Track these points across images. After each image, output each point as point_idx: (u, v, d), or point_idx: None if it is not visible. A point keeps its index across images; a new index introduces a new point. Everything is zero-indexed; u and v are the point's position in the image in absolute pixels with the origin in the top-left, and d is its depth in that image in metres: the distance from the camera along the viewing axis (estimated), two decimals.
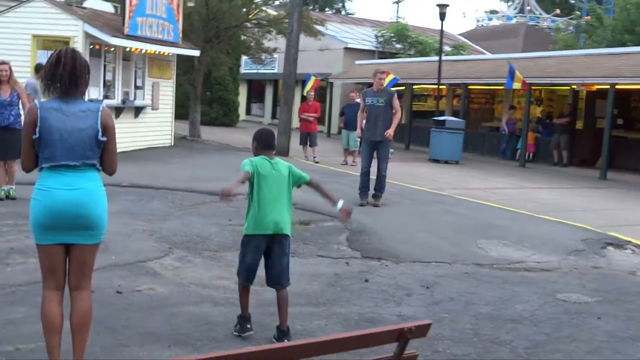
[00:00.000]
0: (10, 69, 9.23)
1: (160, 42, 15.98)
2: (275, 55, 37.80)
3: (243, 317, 5.10)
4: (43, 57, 14.17)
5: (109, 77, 15.11)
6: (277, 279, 5.09)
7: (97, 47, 14.46)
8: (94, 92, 14.48)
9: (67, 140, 3.98)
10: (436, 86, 22.99)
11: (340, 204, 5.24)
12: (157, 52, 16.10)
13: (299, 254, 7.57)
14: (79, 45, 13.87)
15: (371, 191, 11.02)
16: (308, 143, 17.81)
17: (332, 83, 31.04)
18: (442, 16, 22.27)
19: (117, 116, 15.43)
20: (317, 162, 16.77)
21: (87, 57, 13.44)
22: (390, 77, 23.05)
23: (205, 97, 32.74)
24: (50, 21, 14.15)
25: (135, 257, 6.93)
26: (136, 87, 16.25)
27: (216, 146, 19.86)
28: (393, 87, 24.08)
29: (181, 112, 34.17)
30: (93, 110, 4.09)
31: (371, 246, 8.15)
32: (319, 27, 22.51)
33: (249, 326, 5.07)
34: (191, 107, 21.68)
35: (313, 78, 18.91)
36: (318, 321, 5.44)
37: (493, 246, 8.64)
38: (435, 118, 21.14)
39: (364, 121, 11.17)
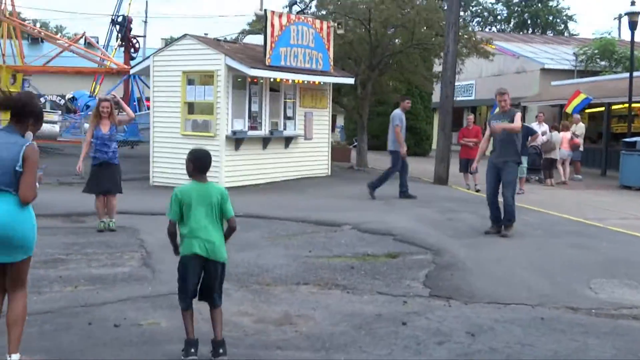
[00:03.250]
0: (111, 106, 9.57)
1: (307, 72, 15.93)
2: (471, 82, 36.84)
3: (188, 341, 4.82)
4: (192, 92, 14.82)
5: (254, 108, 15.32)
6: (213, 300, 4.93)
7: (240, 79, 14.74)
8: (238, 123, 14.77)
9: None
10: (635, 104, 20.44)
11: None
12: (305, 82, 16.07)
13: (358, 289, 6.81)
14: (222, 77, 14.25)
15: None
16: (469, 170, 16.61)
17: (525, 107, 29.20)
18: (633, 25, 19.83)
19: (264, 147, 15.62)
20: (478, 191, 15.53)
21: (229, 89, 13.82)
22: (582, 97, 21.04)
23: None
24: (196, 57, 14.71)
25: (172, 288, 6.63)
26: (286, 118, 16.32)
27: (378, 175, 19.27)
28: (584, 108, 21.98)
29: (376, 143, 34.44)
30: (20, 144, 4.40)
31: (448, 283, 7.12)
32: (492, 47, 21.13)
33: (192, 350, 4.75)
34: (358, 136, 21.39)
35: None
36: None
37: (609, 287, 7.17)
38: (626, 140, 18.79)
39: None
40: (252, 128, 15.26)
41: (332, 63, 16.84)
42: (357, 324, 5.73)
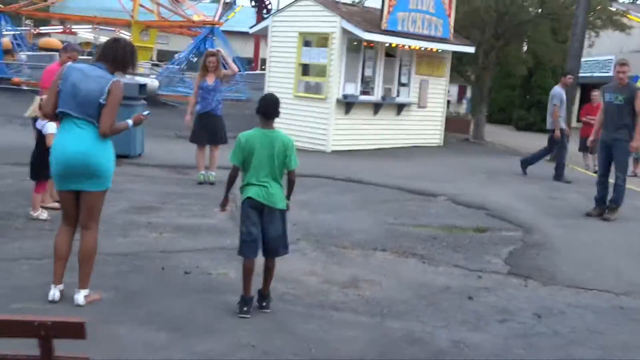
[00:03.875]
0: (217, 60, 9.84)
1: (425, 38, 15.59)
2: (610, 57, 34.61)
3: (242, 298, 4.91)
4: (307, 53, 14.95)
5: (368, 72, 15.23)
6: (272, 250, 4.99)
7: (355, 42, 14.68)
8: (349, 87, 14.76)
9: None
10: None
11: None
12: (422, 49, 15.75)
13: (434, 260, 6.70)
14: (337, 40, 14.25)
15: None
16: (589, 150, 15.74)
17: None
18: None
19: (375, 112, 15.53)
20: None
21: (344, 52, 13.82)
22: None
23: (524, 101, 31.33)
24: (313, 18, 14.79)
25: None
26: (400, 84, 16.10)
27: (492, 149, 18.73)
28: None
29: (501, 117, 33.29)
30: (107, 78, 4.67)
31: (531, 262, 6.84)
32: (636, 19, 19.70)
33: (245, 309, 4.83)
34: (476, 107, 20.80)
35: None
36: (345, 331, 4.70)
37: None
38: None
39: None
40: (364, 93, 15.19)
41: (452, 30, 16.37)
42: (422, 294, 5.65)
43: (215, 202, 8.53)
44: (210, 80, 9.72)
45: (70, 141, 4.64)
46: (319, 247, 6.92)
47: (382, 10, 14.65)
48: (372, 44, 14.98)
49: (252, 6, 39.66)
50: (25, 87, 20.67)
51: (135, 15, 23.39)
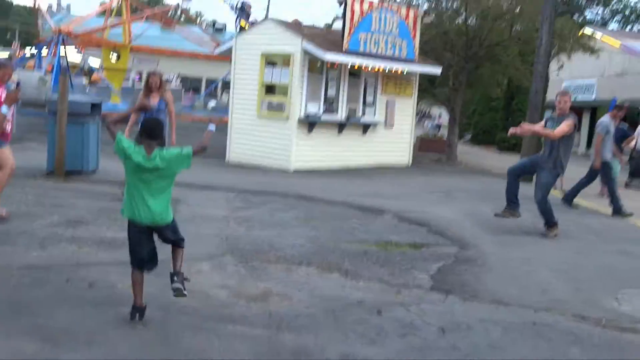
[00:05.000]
0: (160, 79, 9.77)
1: (389, 59, 15.59)
2: (592, 80, 34.77)
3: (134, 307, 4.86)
4: (269, 74, 14.93)
5: (331, 92, 15.20)
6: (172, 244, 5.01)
7: (318, 63, 14.67)
8: (312, 107, 14.72)
9: None
10: None
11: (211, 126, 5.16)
12: (385, 70, 15.74)
13: (358, 275, 6.57)
14: (298, 60, 14.24)
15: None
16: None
17: None
18: None
19: (339, 132, 15.48)
20: (564, 191, 14.61)
21: (305, 72, 13.81)
22: None
23: (506, 124, 31.42)
24: (275, 39, 14.78)
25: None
26: (365, 104, 16.07)
27: (462, 170, 18.67)
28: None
29: (486, 138, 33.36)
30: None
31: (456, 278, 6.73)
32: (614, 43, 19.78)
33: (137, 316, 4.82)
34: (448, 128, 20.78)
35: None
36: (232, 344, 4.57)
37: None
38: None
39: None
40: (328, 112, 15.15)
41: (416, 51, 16.39)
42: (331, 308, 5.52)
43: None
44: (154, 100, 9.63)
45: None
46: (242, 261, 6.79)
47: (343, 31, 14.67)
48: (335, 65, 14.97)
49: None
50: None
51: (105, 35, 23.34)
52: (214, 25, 29.58)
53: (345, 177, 14.04)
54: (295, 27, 15.03)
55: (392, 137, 16.90)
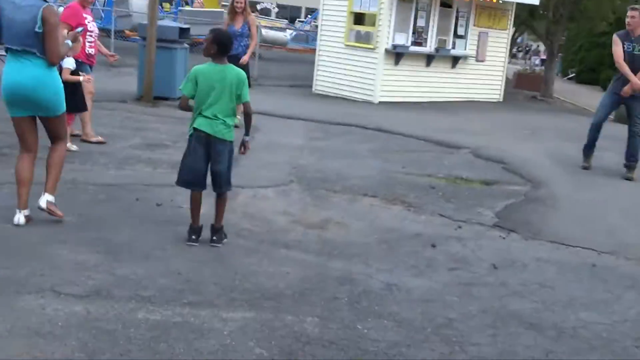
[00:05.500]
0: (245, 2, 9.82)
1: None
2: None
3: (191, 227, 5.07)
4: (358, 2, 14.69)
5: (420, 23, 14.85)
6: (218, 185, 5.07)
7: None
8: (400, 37, 14.45)
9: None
10: None
11: (246, 138, 5.20)
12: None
13: (421, 209, 6.59)
14: None
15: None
16: None
17: None
18: None
19: (427, 64, 15.17)
20: None
21: (394, 1, 13.52)
22: None
23: (612, 62, 29.71)
24: None
25: (242, 182, 6.88)
26: (456, 36, 15.62)
27: (557, 108, 17.98)
28: None
29: (591, 77, 31.81)
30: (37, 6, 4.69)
31: (521, 216, 6.62)
32: None
33: (193, 237, 5.01)
34: (546, 64, 19.89)
35: None
36: (281, 267, 4.74)
37: None
38: None
39: None
40: (416, 44, 14.85)
41: None
42: (386, 239, 5.59)
43: None
44: (237, 25, 9.74)
45: (14, 73, 4.82)
46: (308, 189, 6.93)
47: None
48: None
49: None
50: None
51: None
52: None
53: (431, 111, 13.83)
54: None
55: (484, 71, 16.39)
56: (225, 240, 5.09)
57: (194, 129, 4.95)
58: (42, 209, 5.01)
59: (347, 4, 14.82)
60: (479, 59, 16.18)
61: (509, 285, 4.79)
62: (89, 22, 7.82)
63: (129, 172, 6.92)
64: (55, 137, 5.10)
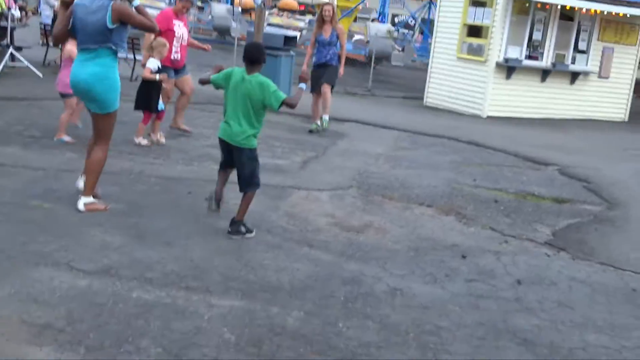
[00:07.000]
0: (333, 9, 10.02)
1: (607, 1, 14.23)
2: None
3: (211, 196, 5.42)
4: (472, 14, 14.51)
5: (537, 36, 14.36)
6: (240, 185, 5.33)
7: (527, 4, 13.91)
8: (513, 50, 14.07)
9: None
10: None
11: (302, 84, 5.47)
12: (604, 12, 14.44)
13: (474, 221, 6.47)
14: (501, 0, 13.62)
15: None
16: None
17: None
18: None
19: (542, 79, 14.64)
20: None
21: (508, 13, 13.30)
22: None
23: None
24: None
25: (301, 184, 7.10)
26: (577, 50, 14.95)
27: None
28: None
29: None
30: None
31: (579, 236, 6.33)
32: None
33: (206, 198, 5.45)
34: None
35: None
36: (294, 264, 4.86)
37: None
38: None
39: None
40: (531, 57, 14.39)
41: None
42: (416, 247, 5.56)
43: (303, 147, 8.91)
44: (326, 34, 9.95)
45: (76, 70, 5.32)
46: (364, 195, 6.99)
47: None
48: (547, 6, 14.08)
49: None
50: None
51: None
52: None
53: (540, 128, 13.33)
54: None
55: (606, 88, 15.56)
56: (250, 234, 5.28)
57: (219, 134, 5.28)
58: (81, 211, 5.37)
59: (461, 16, 14.64)
60: (602, 75, 15.42)
61: (524, 301, 4.63)
62: (178, 28, 8.34)
63: (195, 167, 7.31)
64: (98, 136, 5.46)
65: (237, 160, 5.23)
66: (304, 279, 4.61)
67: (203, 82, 5.41)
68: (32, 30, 17.19)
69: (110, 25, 5.16)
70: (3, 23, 13.27)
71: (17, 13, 23.11)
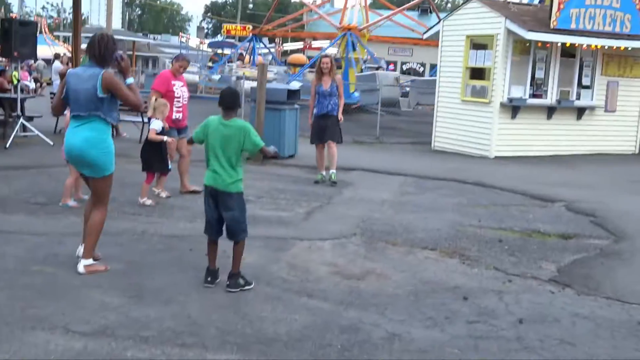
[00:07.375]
0: (331, 61, 10.17)
1: (607, 36, 14.34)
2: None
3: (207, 269, 5.42)
4: (473, 57, 14.66)
5: (539, 74, 14.44)
6: (229, 234, 5.37)
7: (527, 44, 14.05)
8: (517, 90, 14.14)
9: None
10: None
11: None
12: (605, 47, 14.52)
13: (478, 262, 6.43)
14: (501, 41, 13.77)
15: None
16: None
17: None
18: None
19: (548, 117, 14.66)
20: None
21: (509, 54, 13.43)
22: None
23: None
24: (479, 21, 14.42)
25: (304, 234, 7.11)
26: (581, 86, 14.99)
27: None
28: None
29: None
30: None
31: (585, 272, 6.25)
32: None
33: (209, 279, 5.34)
34: None
35: None
36: (291, 315, 4.84)
37: None
38: None
39: None
40: (535, 96, 14.45)
41: None
42: (417, 291, 5.53)
43: (308, 198, 8.95)
44: (325, 85, 10.07)
45: (70, 136, 5.44)
46: (367, 242, 6.98)
47: (551, 7, 13.85)
48: (547, 44, 14.21)
49: None
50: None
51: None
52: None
53: (549, 166, 13.30)
54: (501, 5, 14.51)
55: (614, 122, 15.53)
56: (248, 286, 5.30)
57: (204, 184, 5.31)
58: (81, 274, 5.42)
59: (462, 59, 14.80)
60: (609, 109, 15.42)
61: (524, 340, 4.56)
62: (178, 89, 8.52)
63: (198, 224, 7.30)
64: (96, 200, 5.54)
65: (226, 207, 5.26)
66: (301, 329, 4.59)
67: (189, 143, 5.56)
68: (45, 99, 17.61)
69: (100, 94, 5.29)
70: (15, 95, 13.63)
71: (31, 84, 23.82)
